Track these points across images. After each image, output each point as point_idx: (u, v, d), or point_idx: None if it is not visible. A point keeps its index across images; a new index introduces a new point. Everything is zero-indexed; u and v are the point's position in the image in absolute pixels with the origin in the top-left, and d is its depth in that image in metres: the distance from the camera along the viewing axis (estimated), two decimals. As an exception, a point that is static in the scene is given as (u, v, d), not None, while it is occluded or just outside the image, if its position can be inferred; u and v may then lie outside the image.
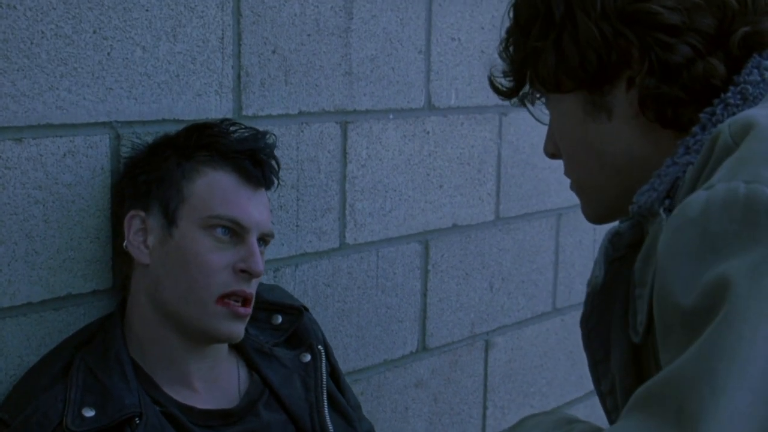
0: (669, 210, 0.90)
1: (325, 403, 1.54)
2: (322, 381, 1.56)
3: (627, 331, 1.01)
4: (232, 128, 1.47)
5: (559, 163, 2.41)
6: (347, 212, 1.91)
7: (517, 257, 2.37)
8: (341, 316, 1.91)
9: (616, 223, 1.06)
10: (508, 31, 1.09)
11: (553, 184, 2.44)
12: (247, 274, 1.41)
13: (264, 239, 1.47)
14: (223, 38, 1.65)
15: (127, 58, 1.52)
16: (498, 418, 2.38)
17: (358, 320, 1.96)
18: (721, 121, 0.90)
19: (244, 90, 1.70)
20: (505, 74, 1.11)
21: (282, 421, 1.50)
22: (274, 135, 1.50)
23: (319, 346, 1.60)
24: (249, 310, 1.44)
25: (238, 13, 1.67)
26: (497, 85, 1.14)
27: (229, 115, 1.65)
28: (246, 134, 1.47)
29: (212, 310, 1.40)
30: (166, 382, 1.43)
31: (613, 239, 1.00)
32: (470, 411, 2.29)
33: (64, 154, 1.46)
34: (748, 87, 0.92)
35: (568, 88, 1.01)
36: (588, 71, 0.98)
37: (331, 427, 1.52)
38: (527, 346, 2.44)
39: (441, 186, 2.12)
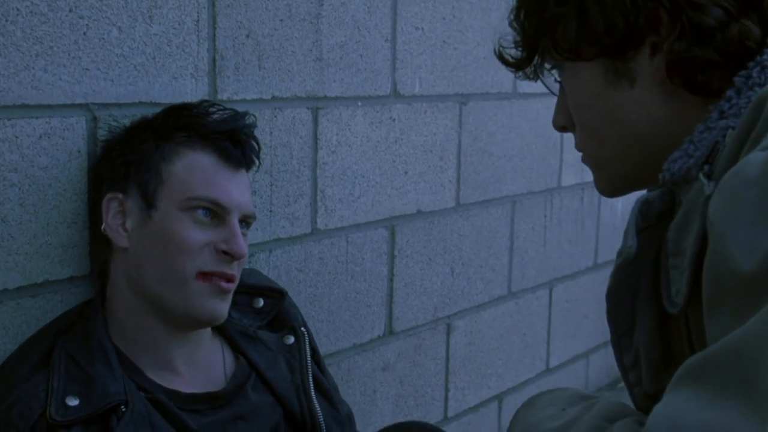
0: (708, 176, 0.83)
1: (311, 385, 1.44)
2: (307, 363, 1.46)
3: (655, 303, 0.93)
4: (210, 109, 1.36)
5: (515, 152, 2.39)
6: (318, 198, 1.82)
7: (475, 243, 2.29)
8: (313, 301, 1.81)
9: (642, 192, 0.99)
10: (521, 0, 1.00)
11: (509, 172, 2.38)
12: (229, 256, 1.30)
13: (246, 221, 1.36)
14: (198, 21, 1.54)
15: (103, 38, 1.39)
16: (459, 400, 2.31)
17: (329, 305, 1.87)
18: (760, 84, 0.82)
19: (219, 74, 1.59)
20: (516, 44, 1.02)
21: (270, 404, 1.40)
22: (253, 116, 1.39)
23: (302, 328, 1.50)
24: (232, 286, 1.33)
25: (212, -4, 1.56)
26: (506, 57, 1.05)
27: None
28: (225, 115, 1.36)
29: (193, 288, 1.28)
30: (150, 368, 1.32)
31: (642, 208, 0.92)
32: (433, 393, 2.22)
33: (40, 136, 1.33)
34: None
35: (590, 55, 0.92)
36: (613, 37, 0.89)
37: (318, 409, 1.42)
38: (485, 329, 2.38)
39: (406, 173, 2.03)
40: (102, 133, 1.40)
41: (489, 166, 2.31)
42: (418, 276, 2.11)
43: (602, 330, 2.94)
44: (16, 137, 1.30)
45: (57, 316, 1.36)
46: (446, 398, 2.26)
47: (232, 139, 1.34)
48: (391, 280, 2.03)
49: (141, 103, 1.45)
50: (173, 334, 1.34)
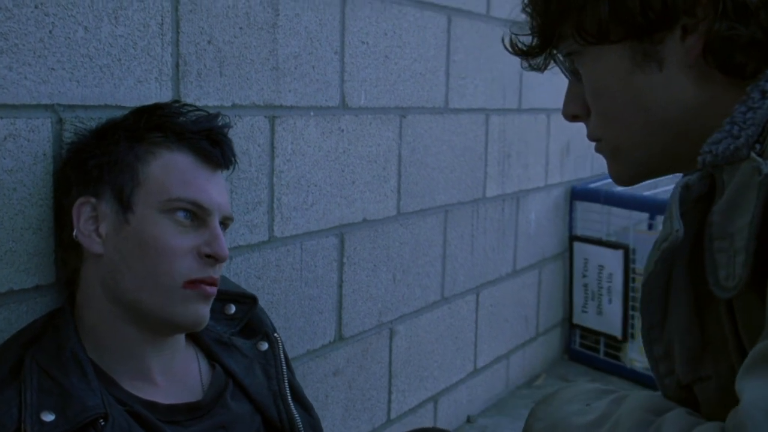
0: (760, 155, 0.75)
1: (288, 392, 1.30)
2: (282, 369, 1.32)
3: (691, 290, 0.84)
4: (183, 109, 1.21)
5: (446, 164, 2.31)
6: (275, 206, 1.68)
7: (414, 250, 2.19)
8: (270, 308, 1.66)
9: (678, 176, 0.91)
10: None
11: (442, 183, 2.29)
12: (213, 259, 1.15)
13: (224, 223, 1.21)
14: (162, 24, 1.39)
15: (69, 38, 1.23)
16: (400, 402, 2.19)
17: (285, 312, 1.73)
18: None
19: (182, 79, 1.44)
20: (532, 31, 0.92)
21: (249, 412, 1.25)
22: (227, 116, 1.26)
23: (275, 334, 1.36)
24: (215, 290, 1.18)
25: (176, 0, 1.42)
26: (518, 45, 0.96)
27: (169, 104, 1.39)
28: (199, 115, 1.21)
29: (179, 295, 1.13)
30: (126, 379, 1.15)
31: (682, 192, 0.83)
32: (378, 396, 2.09)
33: (5, 138, 1.15)
34: None
35: (618, 37, 0.83)
36: (648, 17, 0.80)
37: (297, 416, 1.28)
38: (422, 333, 2.27)
39: (354, 182, 1.92)
40: (68, 136, 1.23)
41: (425, 176, 2.21)
42: (365, 282, 2.00)
43: (520, 332, 2.90)
44: (-20, 138, 1.13)
45: (23, 327, 1.18)
46: (389, 401, 2.14)
47: (209, 139, 1.19)
48: (340, 286, 1.91)
49: (107, 106, 1.29)
50: (150, 342, 1.18)
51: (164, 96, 1.39)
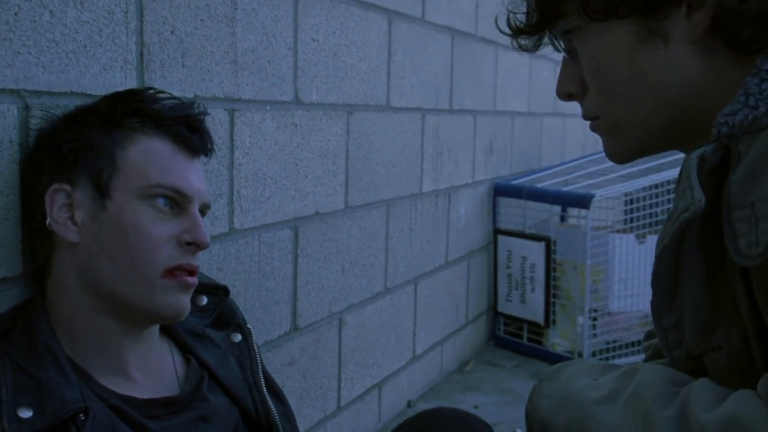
0: None
1: (263, 383, 1.21)
2: (257, 360, 1.23)
3: (703, 261, 0.80)
4: (159, 95, 1.11)
5: (388, 159, 2.24)
6: (235, 198, 1.58)
7: (360, 243, 2.12)
8: (230, 300, 1.57)
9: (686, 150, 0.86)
10: None
11: (384, 178, 2.23)
12: (194, 246, 1.06)
13: (202, 210, 1.11)
14: (126, 12, 1.28)
15: (35, 21, 1.11)
16: (349, 389, 2.11)
17: (245, 303, 1.63)
18: None
19: (147, 68, 1.33)
20: (530, 8, 0.87)
21: (226, 404, 1.15)
22: (202, 104, 1.16)
23: (248, 325, 1.27)
24: (196, 280, 1.08)
25: (140, -11, 1.31)
26: (516, 24, 0.90)
27: (133, 94, 1.27)
28: (175, 102, 1.11)
29: (159, 285, 1.03)
30: (101, 374, 1.04)
31: (698, 165, 0.79)
32: (329, 384, 2.01)
33: (-30, 123, 1.03)
34: None
35: (624, 13, 0.79)
36: None
37: (273, 408, 1.19)
38: (368, 322, 2.20)
39: (306, 176, 1.83)
40: (35, 122, 1.11)
41: (369, 171, 2.15)
42: (316, 274, 1.91)
43: (452, 321, 2.86)
44: (-56, 122, 1.00)
45: (-10, 320, 1.06)
46: (339, 388, 2.06)
47: (187, 126, 1.09)
48: (295, 278, 1.82)
49: (72, 93, 1.18)
50: (127, 334, 1.07)
51: (129, 85, 1.28)
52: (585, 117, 0.89)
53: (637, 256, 3.08)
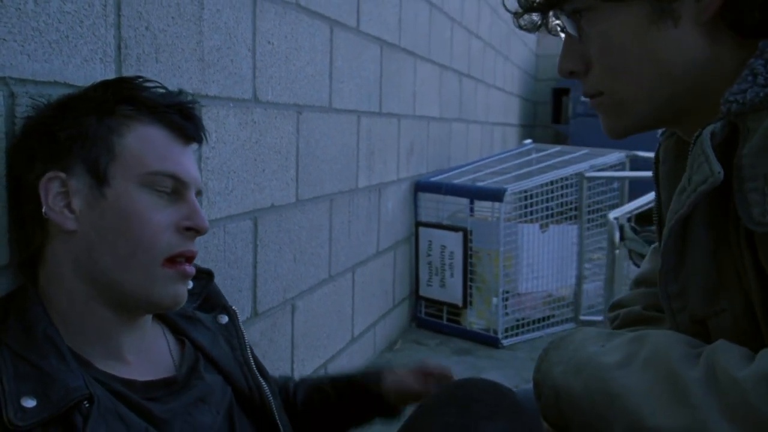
0: None
1: (252, 361, 1.12)
2: (244, 340, 1.14)
3: (711, 231, 0.77)
4: (148, 84, 1.00)
5: (331, 156, 2.17)
6: (203, 190, 1.47)
7: (309, 234, 2.04)
8: (199, 288, 1.46)
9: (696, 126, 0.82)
10: None
11: (328, 174, 2.15)
12: (194, 231, 0.96)
13: (197, 197, 1.02)
14: (105, 5, 1.16)
15: (20, 9, 0.98)
16: (300, 370, 2.03)
17: (212, 291, 1.52)
18: None
19: (124, 62, 1.21)
20: None
21: (221, 383, 1.05)
22: (190, 93, 1.05)
23: (233, 307, 1.17)
24: (194, 269, 0.99)
25: (117, -17, 1.19)
26: (527, 1, 0.84)
27: (112, 86, 1.15)
28: (166, 90, 1.01)
29: (158, 274, 0.93)
30: (99, 359, 0.93)
31: (712, 140, 0.76)
32: (284, 366, 1.92)
33: (-43, 109, 0.90)
34: None
35: None
36: None
37: (263, 384, 1.11)
38: (315, 308, 2.12)
39: (264, 170, 1.74)
40: (21, 111, 0.98)
41: (316, 168, 2.07)
42: (273, 263, 1.82)
43: (383, 305, 2.81)
44: (-69, 108, 0.87)
45: (-22, 312, 0.93)
46: (292, 369, 1.97)
47: (180, 113, 0.98)
48: (255, 267, 1.72)
49: (56, 83, 1.05)
50: (123, 321, 0.96)
51: (109, 76, 1.16)
52: (587, 94, 0.84)
53: (540, 243, 3.13)
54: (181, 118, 0.98)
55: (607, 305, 2.90)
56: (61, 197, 0.90)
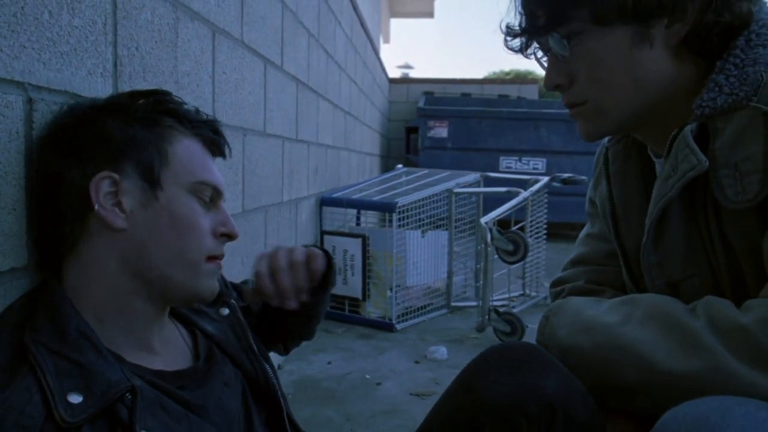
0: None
1: (255, 347, 1.01)
2: (246, 329, 1.01)
3: (684, 212, 0.78)
4: (175, 98, 0.88)
5: (265, 174, 2.05)
6: (178, 199, 1.32)
7: (252, 240, 1.91)
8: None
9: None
10: None
11: (264, 189, 2.03)
12: (226, 237, 0.86)
13: None
14: (105, 24, 1.01)
15: (37, 19, 0.82)
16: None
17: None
18: (762, 45, 0.72)
19: (119, 78, 1.06)
20: (533, 16, 0.78)
21: (232, 369, 0.94)
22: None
23: (232, 300, 1.05)
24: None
25: (114, 4, 1.04)
26: (523, 26, 0.81)
27: (110, 100, 1.00)
28: (190, 106, 0.90)
29: (203, 270, 0.82)
30: (129, 353, 0.78)
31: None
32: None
33: (-17, 110, 0.73)
34: (762, 28, 0.75)
35: (626, 21, 0.75)
36: (652, 6, 0.73)
37: (268, 368, 0.99)
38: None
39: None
40: (37, 117, 0.82)
41: (256, 183, 1.94)
42: (227, 266, 1.66)
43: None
44: (-41, 107, 0.70)
45: (2, 310, 0.75)
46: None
47: (212, 130, 0.88)
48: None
49: (66, 92, 0.89)
50: (157, 314, 0.83)
51: (107, 92, 1.01)
52: (569, 103, 0.83)
53: (421, 246, 3.15)
54: (212, 133, 0.87)
55: (480, 290, 2.97)
56: (110, 196, 0.77)
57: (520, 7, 0.82)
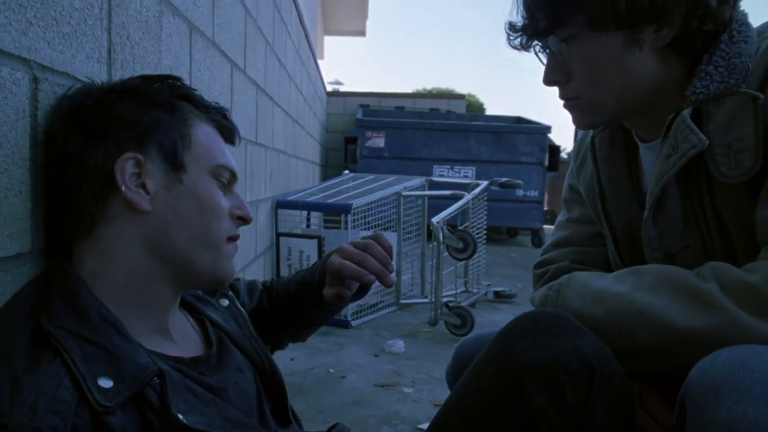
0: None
1: (257, 336, 0.96)
2: (246, 319, 0.96)
3: (680, 188, 0.81)
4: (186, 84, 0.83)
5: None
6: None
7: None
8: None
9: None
10: None
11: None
12: (242, 220, 0.81)
13: None
14: (101, 9, 0.93)
15: (42, -5, 0.75)
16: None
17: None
18: (743, 40, 0.77)
19: (113, 65, 0.99)
20: (534, 18, 0.80)
21: (241, 357, 0.89)
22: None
23: (230, 291, 1.00)
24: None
25: (108, -9, 0.97)
26: (523, 27, 0.82)
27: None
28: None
29: (224, 251, 0.78)
30: (147, 339, 0.72)
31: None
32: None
33: (-7, 85, 0.66)
34: (741, 27, 0.79)
35: (620, 28, 0.77)
36: (643, 13, 0.76)
37: (270, 356, 0.95)
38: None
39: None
40: (42, 96, 0.75)
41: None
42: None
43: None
44: (-28, 79, 0.62)
45: (9, 299, 0.68)
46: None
47: (223, 117, 0.83)
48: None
49: (67, 74, 0.82)
50: (174, 299, 0.78)
51: (102, 78, 0.93)
52: (566, 97, 0.85)
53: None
54: (225, 120, 0.83)
55: (432, 286, 2.98)
56: (134, 178, 0.71)
57: (522, 10, 0.83)
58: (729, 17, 0.79)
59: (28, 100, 0.72)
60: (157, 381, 0.66)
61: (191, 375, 0.73)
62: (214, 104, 0.83)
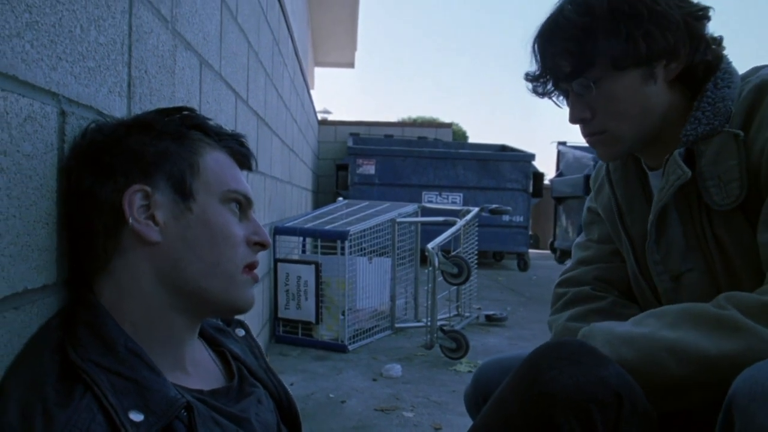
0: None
1: (271, 368, 0.94)
2: (261, 350, 0.94)
3: (680, 215, 0.84)
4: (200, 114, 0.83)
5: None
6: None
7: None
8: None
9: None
10: (591, 28, 0.81)
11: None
12: (259, 246, 0.79)
13: None
14: (122, 45, 0.93)
15: (71, 32, 0.75)
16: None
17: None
18: (726, 86, 0.82)
19: (132, 98, 0.98)
20: (558, 66, 0.84)
21: (260, 389, 0.86)
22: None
23: (245, 321, 0.98)
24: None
25: (129, 27, 0.97)
26: (553, 73, 0.86)
27: (124, 119, 0.92)
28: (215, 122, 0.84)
29: (240, 280, 0.75)
30: (166, 371, 0.70)
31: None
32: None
33: (25, 119, 0.65)
34: (725, 74, 0.85)
35: (640, 65, 0.82)
36: (661, 53, 0.82)
37: (286, 387, 0.93)
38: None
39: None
40: (69, 129, 0.74)
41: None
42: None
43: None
44: (7, 113, 0.62)
45: (34, 332, 0.66)
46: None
47: (238, 143, 0.82)
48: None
49: (91, 108, 0.81)
50: (191, 330, 0.76)
51: (121, 112, 0.93)
52: (591, 133, 0.88)
53: (368, 271, 3.12)
54: (239, 146, 0.82)
55: (427, 310, 2.96)
56: (143, 209, 0.70)
57: (542, 61, 0.86)
58: (721, 54, 0.85)
59: (56, 133, 0.72)
60: (185, 413, 0.64)
61: (215, 406, 0.71)
62: (230, 131, 0.82)
